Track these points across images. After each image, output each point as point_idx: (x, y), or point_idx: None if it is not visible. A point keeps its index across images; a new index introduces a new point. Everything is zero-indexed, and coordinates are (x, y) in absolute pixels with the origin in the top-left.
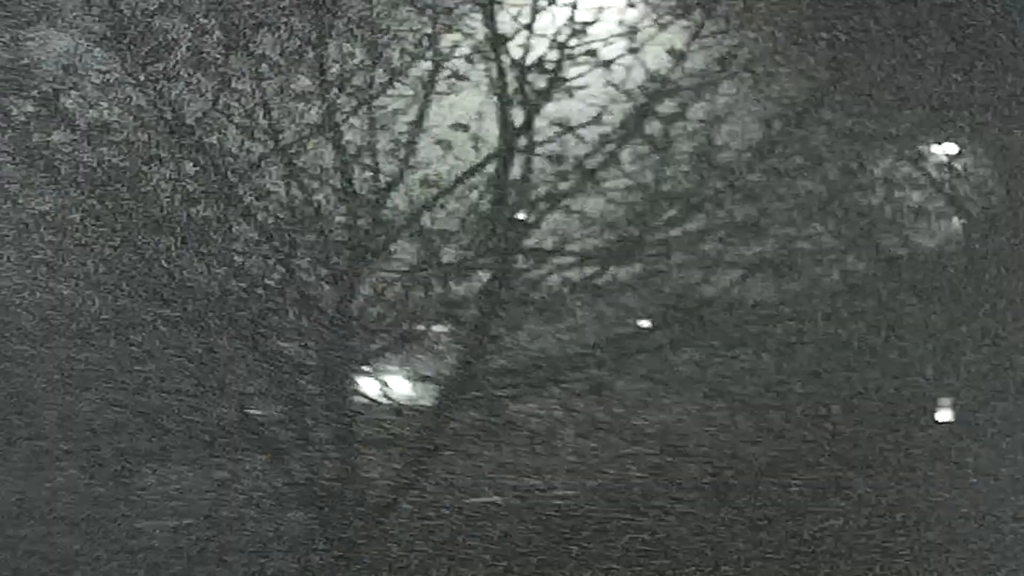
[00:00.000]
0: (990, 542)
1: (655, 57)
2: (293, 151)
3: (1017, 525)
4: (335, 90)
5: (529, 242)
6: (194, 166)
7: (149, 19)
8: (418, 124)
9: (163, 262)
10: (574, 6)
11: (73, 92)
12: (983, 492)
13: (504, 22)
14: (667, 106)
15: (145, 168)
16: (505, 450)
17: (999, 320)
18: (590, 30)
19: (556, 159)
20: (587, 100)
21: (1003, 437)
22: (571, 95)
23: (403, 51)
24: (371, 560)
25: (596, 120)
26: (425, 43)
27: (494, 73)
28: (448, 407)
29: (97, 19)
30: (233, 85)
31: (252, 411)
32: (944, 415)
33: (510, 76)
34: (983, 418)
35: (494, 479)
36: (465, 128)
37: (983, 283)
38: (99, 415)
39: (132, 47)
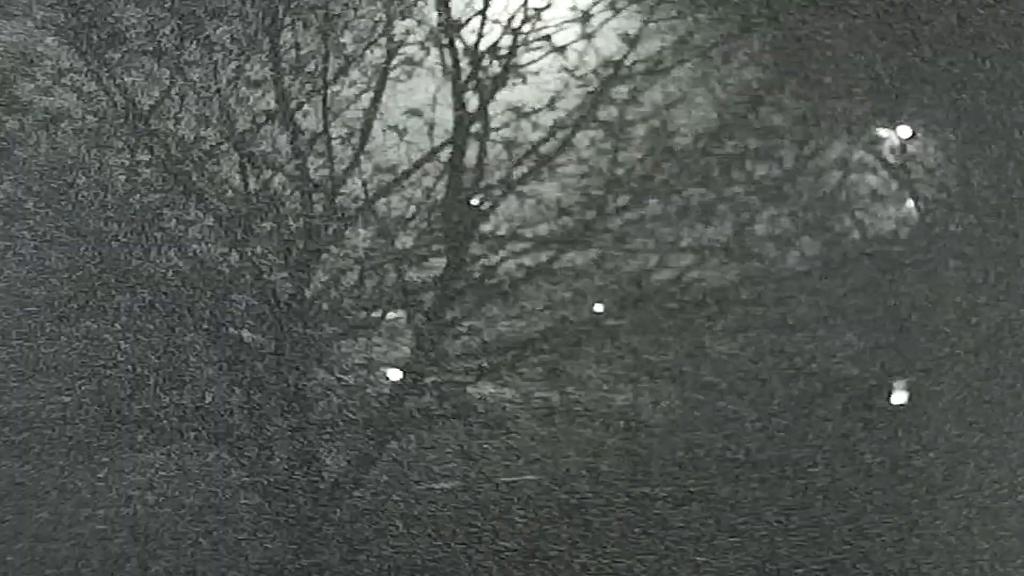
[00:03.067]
0: (946, 523)
1: (608, 42)
2: (247, 138)
3: (974, 502)
4: (289, 77)
5: (484, 228)
6: (148, 153)
7: (102, 6)
8: (372, 110)
9: (118, 250)
10: None
11: (26, 80)
12: (936, 472)
13: (457, 8)
14: (621, 91)
15: (99, 156)
16: (461, 435)
17: (953, 302)
18: (543, 15)
19: (510, 145)
20: (541, 86)
21: (957, 418)
22: (525, 81)
23: (356, 38)
24: (326, 546)
25: (550, 105)
26: (378, 30)
27: (448, 59)
28: (404, 393)
29: (50, 7)
30: (187, 72)
31: (208, 398)
32: (899, 397)
33: (464, 62)
34: (937, 400)
35: (450, 464)
36: (419, 114)
37: (937, 265)
38: (53, 403)
39: (85, 35)
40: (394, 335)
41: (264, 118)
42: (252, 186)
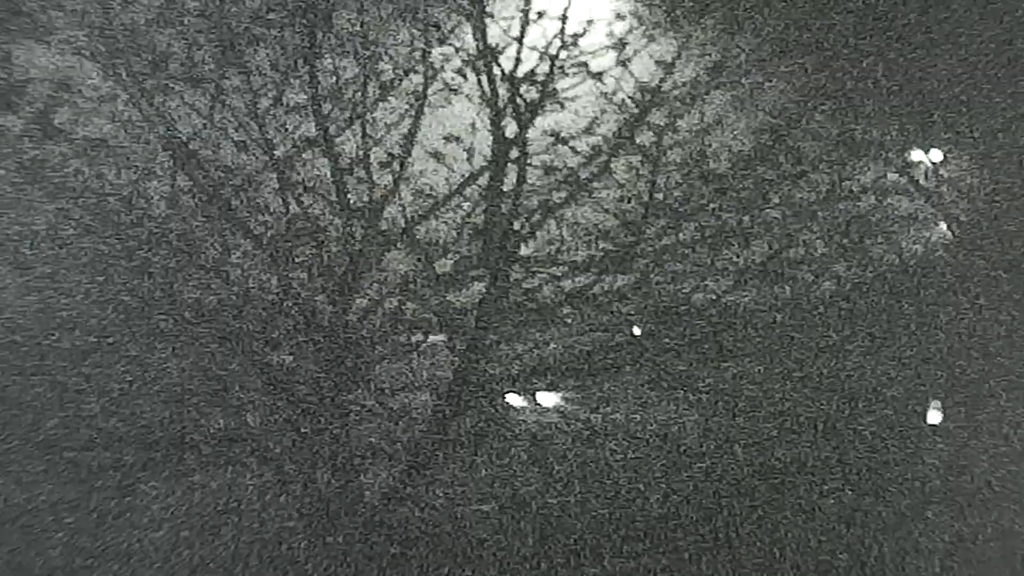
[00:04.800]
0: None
1: (644, 68)
2: (287, 165)
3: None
4: (328, 104)
5: (523, 252)
6: (189, 180)
7: (142, 34)
8: (411, 136)
9: (159, 276)
10: (564, 19)
11: (66, 108)
12: (972, 490)
13: (495, 35)
14: (657, 116)
15: (139, 182)
16: (502, 457)
17: (986, 323)
18: (580, 42)
19: (549, 170)
20: (578, 111)
21: (991, 438)
22: (562, 106)
23: (395, 65)
24: (368, 568)
25: (587, 131)
26: (417, 56)
27: (486, 85)
28: (445, 416)
29: (89, 35)
30: (227, 99)
31: (250, 421)
32: (934, 417)
33: (502, 88)
34: (971, 420)
35: (491, 486)
36: (458, 140)
37: (970, 288)
38: (97, 427)
39: (125, 62)
40: (435, 359)
41: (304, 144)
42: (292, 211)
